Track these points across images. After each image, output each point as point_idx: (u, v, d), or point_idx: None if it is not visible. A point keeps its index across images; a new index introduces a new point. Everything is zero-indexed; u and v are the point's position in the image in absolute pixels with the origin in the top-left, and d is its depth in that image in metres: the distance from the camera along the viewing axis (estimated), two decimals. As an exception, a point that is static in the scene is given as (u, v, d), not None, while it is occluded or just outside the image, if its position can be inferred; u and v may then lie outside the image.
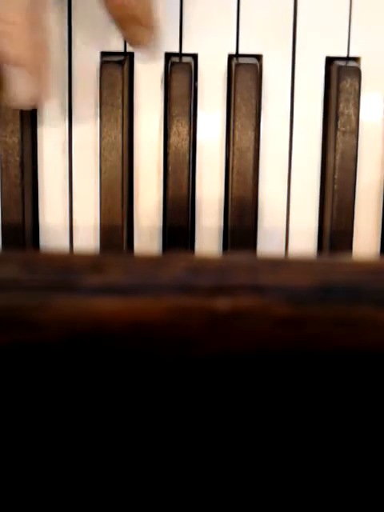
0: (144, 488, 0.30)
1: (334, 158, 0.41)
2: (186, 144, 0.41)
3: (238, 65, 0.41)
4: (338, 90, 0.41)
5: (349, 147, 0.41)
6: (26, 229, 0.42)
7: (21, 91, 0.37)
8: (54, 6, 0.41)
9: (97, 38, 0.40)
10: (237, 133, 0.41)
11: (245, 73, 0.40)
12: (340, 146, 0.41)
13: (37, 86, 0.38)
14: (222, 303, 0.26)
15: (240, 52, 0.42)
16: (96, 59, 0.41)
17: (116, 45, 0.42)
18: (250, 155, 0.41)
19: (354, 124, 0.41)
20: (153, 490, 0.30)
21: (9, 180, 0.41)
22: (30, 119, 0.42)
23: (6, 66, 0.37)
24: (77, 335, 0.27)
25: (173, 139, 0.41)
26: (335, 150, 0.41)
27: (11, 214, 0.41)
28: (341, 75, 0.40)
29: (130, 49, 0.42)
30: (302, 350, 0.27)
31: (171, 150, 0.41)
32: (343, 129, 0.41)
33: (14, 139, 0.41)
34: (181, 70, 0.40)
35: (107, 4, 0.38)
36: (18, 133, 0.41)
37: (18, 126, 0.41)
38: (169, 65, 0.41)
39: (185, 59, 0.41)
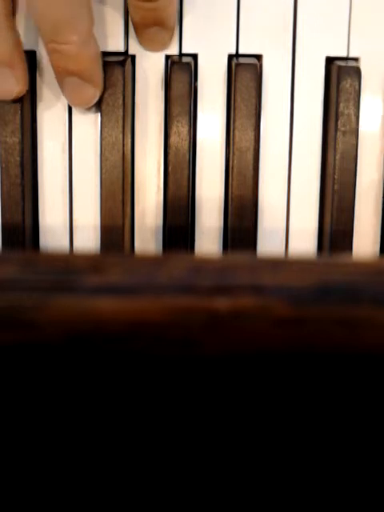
0: (144, 488, 0.30)
1: (334, 157, 0.41)
2: (186, 144, 0.41)
3: (238, 65, 0.41)
4: (338, 90, 0.41)
5: (349, 147, 0.41)
6: (26, 229, 0.42)
7: (79, 97, 0.40)
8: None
9: (97, 37, 0.40)
10: (237, 133, 0.41)
11: (245, 73, 0.40)
12: (340, 145, 0.41)
13: (93, 90, 0.40)
14: (222, 303, 0.26)
15: (240, 52, 0.42)
16: (96, 59, 0.41)
17: (116, 45, 0.42)
18: (250, 155, 0.41)
19: (353, 124, 0.41)
20: (153, 489, 0.30)
21: (9, 180, 0.41)
22: (30, 119, 0.42)
23: (66, 77, 0.39)
24: (77, 335, 0.27)
25: (173, 139, 0.41)
26: (335, 150, 0.41)
27: (11, 214, 0.41)
28: (341, 75, 0.40)
29: (131, 50, 0.42)
30: (302, 350, 0.27)
31: (171, 150, 0.41)
32: (343, 129, 0.41)
33: (14, 139, 0.41)
34: (181, 70, 0.40)
35: (134, 8, 0.39)
36: (18, 133, 0.41)
37: (18, 125, 0.41)
38: (169, 65, 0.41)
39: (185, 59, 0.41)
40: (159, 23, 0.39)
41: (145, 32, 0.40)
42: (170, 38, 0.41)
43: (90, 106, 0.41)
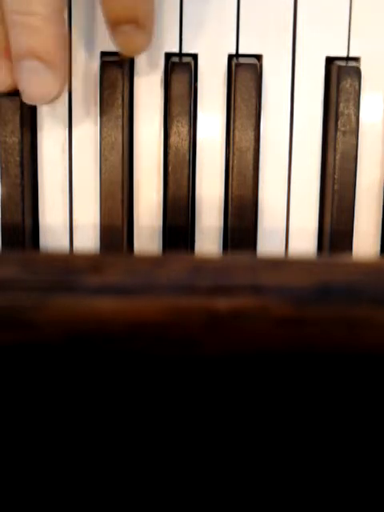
0: (144, 487, 0.30)
1: (334, 157, 0.41)
2: (186, 144, 0.41)
3: (238, 65, 0.41)
4: (338, 90, 0.41)
5: (349, 147, 0.41)
6: (26, 229, 0.42)
7: (39, 87, 0.36)
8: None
9: (97, 37, 0.40)
10: (237, 133, 0.41)
11: (245, 73, 0.40)
12: (340, 145, 0.41)
13: (56, 81, 0.36)
14: (222, 303, 0.26)
15: (240, 52, 0.42)
16: (96, 59, 0.41)
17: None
18: (250, 155, 0.41)
19: (354, 124, 0.41)
20: (154, 488, 0.30)
21: (9, 180, 0.41)
22: (29, 119, 0.42)
23: (25, 60, 0.35)
24: (76, 335, 0.27)
25: (173, 139, 0.41)
26: (335, 150, 0.41)
27: (11, 214, 0.41)
28: (341, 75, 0.40)
29: (130, 49, 0.41)
30: (302, 350, 0.27)
31: (171, 150, 0.41)
32: (343, 129, 0.41)
33: (14, 139, 0.41)
34: (181, 70, 0.40)
35: (105, 4, 0.36)
36: (18, 132, 0.41)
37: (17, 125, 0.41)
38: (169, 65, 0.41)
39: (185, 59, 0.41)
40: (134, 24, 0.36)
41: (121, 35, 0.37)
42: (148, 43, 0.37)
43: (47, 101, 0.37)
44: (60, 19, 0.35)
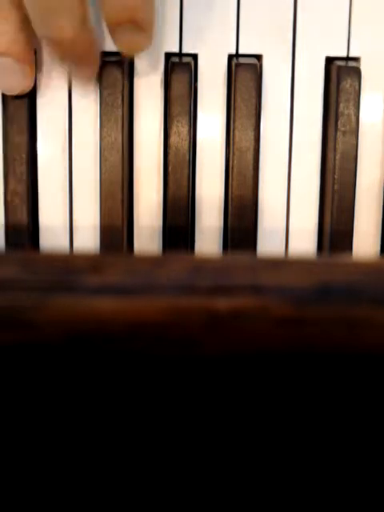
0: (144, 487, 0.30)
1: (334, 157, 0.41)
2: (186, 144, 0.41)
3: (238, 65, 0.41)
4: (338, 90, 0.41)
5: (349, 147, 0.41)
6: (25, 229, 0.42)
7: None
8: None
9: (97, 37, 0.40)
10: (237, 133, 0.41)
11: (245, 73, 0.40)
12: (340, 146, 0.41)
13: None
14: (222, 303, 0.26)
15: (240, 52, 0.42)
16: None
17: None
18: (250, 155, 0.41)
19: (354, 124, 0.41)
20: (153, 487, 0.30)
21: (15, 178, 0.41)
22: (29, 119, 0.42)
23: None
24: (77, 335, 0.27)
25: (173, 139, 0.41)
26: (335, 150, 0.41)
27: (11, 214, 0.41)
28: (341, 75, 0.40)
29: (130, 49, 0.42)
30: (302, 350, 0.27)
31: (171, 150, 0.41)
32: (343, 129, 0.41)
33: (21, 138, 0.41)
34: (181, 70, 0.40)
35: (105, 4, 0.37)
36: (26, 132, 0.41)
37: (24, 124, 0.41)
38: (169, 65, 0.41)
39: (185, 59, 0.41)
40: (135, 26, 0.37)
41: (122, 35, 0.37)
42: (148, 43, 0.38)
43: (88, 85, 0.40)
44: (85, 26, 0.37)
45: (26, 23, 0.38)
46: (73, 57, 0.38)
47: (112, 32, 0.38)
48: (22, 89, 0.40)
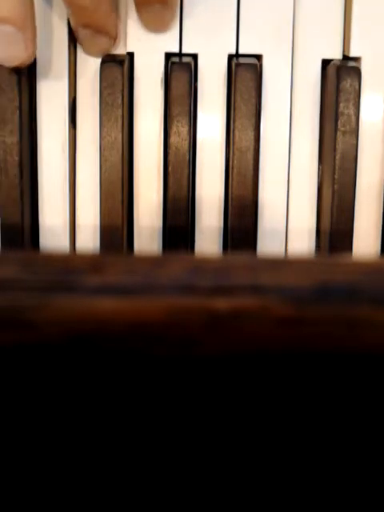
0: (144, 486, 0.30)
1: (334, 158, 0.41)
2: (186, 144, 0.41)
3: (238, 65, 0.41)
4: (338, 90, 0.41)
5: (349, 147, 0.41)
6: (25, 229, 0.42)
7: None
8: (55, 5, 0.41)
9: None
10: (237, 133, 0.41)
11: (245, 73, 0.40)
12: (340, 146, 0.41)
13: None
14: (222, 303, 0.26)
15: (240, 52, 0.42)
16: (96, 59, 0.41)
17: (115, 44, 0.41)
18: (250, 155, 0.41)
19: (353, 124, 0.41)
20: (153, 488, 0.30)
21: (7, 180, 0.41)
22: (29, 118, 0.42)
23: None
24: (77, 335, 0.27)
25: (173, 139, 0.41)
26: (335, 150, 0.41)
27: (10, 214, 0.41)
28: (341, 75, 0.40)
29: (130, 49, 0.42)
30: (302, 350, 0.27)
31: (171, 150, 0.41)
32: (343, 129, 0.41)
33: (13, 139, 0.41)
34: (181, 70, 0.40)
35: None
36: (17, 132, 0.41)
37: (16, 125, 0.41)
38: (169, 65, 0.41)
39: (185, 59, 0.41)
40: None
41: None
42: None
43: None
44: None
45: None
46: (92, 24, 0.38)
47: (140, 8, 0.40)
48: (22, 60, 0.38)
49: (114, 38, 0.41)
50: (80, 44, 0.41)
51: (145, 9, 0.40)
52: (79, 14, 0.39)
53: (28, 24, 0.37)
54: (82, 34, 0.40)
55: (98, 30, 0.39)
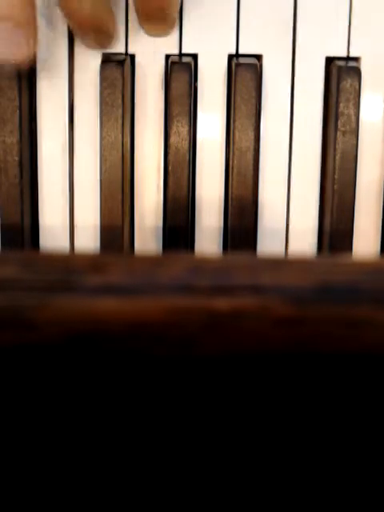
0: (144, 486, 0.30)
1: (334, 157, 0.41)
2: (186, 144, 0.41)
3: (238, 65, 0.41)
4: (338, 90, 0.41)
5: (349, 147, 0.41)
6: (25, 229, 0.42)
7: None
8: (55, 6, 0.41)
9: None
10: (237, 133, 0.41)
11: (245, 73, 0.40)
12: (340, 145, 0.41)
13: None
14: (222, 303, 0.26)
15: (240, 52, 0.42)
16: (96, 59, 0.41)
17: (116, 44, 0.42)
18: (250, 155, 0.41)
19: (353, 124, 0.41)
20: (152, 488, 0.30)
21: (7, 180, 0.41)
22: (29, 118, 0.42)
23: None
24: (77, 335, 0.27)
25: (173, 139, 0.41)
26: (335, 150, 0.41)
27: (10, 214, 0.41)
28: (341, 75, 0.40)
29: (130, 49, 0.42)
30: (302, 350, 0.27)
31: (171, 150, 0.41)
32: (343, 129, 0.41)
33: (13, 139, 0.41)
34: (181, 70, 0.40)
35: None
36: (17, 132, 0.41)
37: (16, 125, 0.41)
38: (169, 65, 0.41)
39: (185, 59, 0.41)
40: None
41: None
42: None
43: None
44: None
45: None
46: (90, 27, 0.38)
47: (141, 21, 0.40)
48: (23, 58, 0.38)
49: (112, 36, 0.40)
50: (78, 40, 0.41)
51: (146, 23, 0.40)
52: (77, 23, 0.39)
53: (30, 22, 0.37)
54: (79, 33, 0.40)
55: (97, 31, 0.39)
